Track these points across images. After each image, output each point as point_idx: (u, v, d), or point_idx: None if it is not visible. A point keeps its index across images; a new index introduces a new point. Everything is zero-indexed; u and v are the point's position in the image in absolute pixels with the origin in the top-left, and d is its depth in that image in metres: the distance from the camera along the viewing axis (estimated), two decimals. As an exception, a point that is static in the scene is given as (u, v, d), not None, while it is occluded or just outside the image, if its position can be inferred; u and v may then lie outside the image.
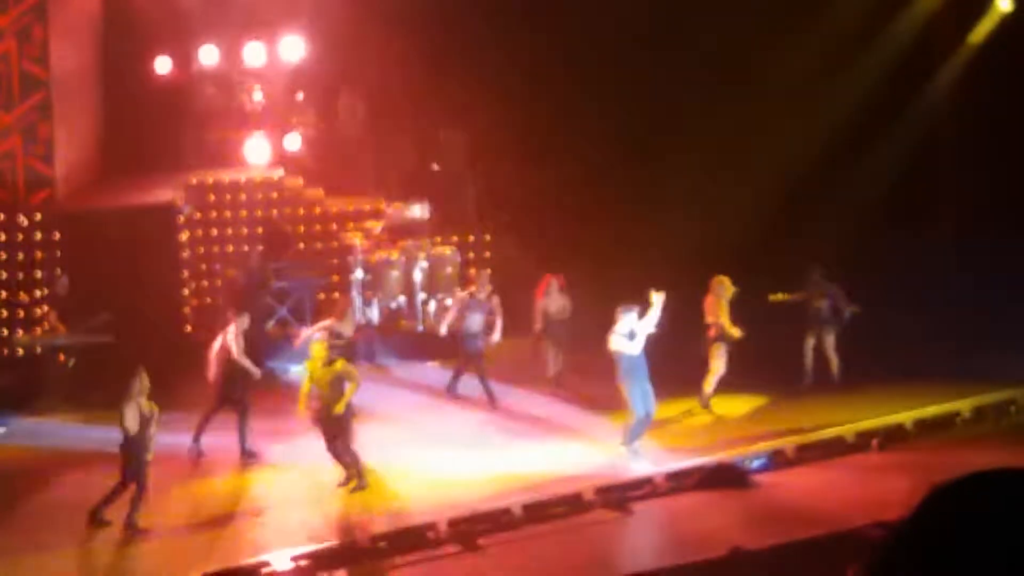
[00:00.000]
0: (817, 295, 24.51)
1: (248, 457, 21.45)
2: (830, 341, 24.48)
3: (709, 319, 23.12)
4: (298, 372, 23.26)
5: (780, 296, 24.37)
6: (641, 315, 20.33)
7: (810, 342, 24.52)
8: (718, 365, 23.09)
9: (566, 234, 29.46)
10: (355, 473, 19.68)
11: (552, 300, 24.88)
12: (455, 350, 24.91)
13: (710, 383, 23.14)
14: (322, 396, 19.79)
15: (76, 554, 18.04)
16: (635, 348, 20.26)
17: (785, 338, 24.48)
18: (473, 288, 25.01)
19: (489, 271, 26.54)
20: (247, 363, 21.59)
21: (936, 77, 30.14)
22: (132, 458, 18.46)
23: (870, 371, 24.13)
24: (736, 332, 22.92)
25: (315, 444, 21.20)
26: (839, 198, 29.36)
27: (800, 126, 29.23)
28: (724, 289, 23.06)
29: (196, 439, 21.67)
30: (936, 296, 26.76)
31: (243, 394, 21.52)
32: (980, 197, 28.39)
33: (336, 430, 19.70)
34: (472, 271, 27.40)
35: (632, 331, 20.28)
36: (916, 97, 30.08)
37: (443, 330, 24.95)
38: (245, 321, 21.94)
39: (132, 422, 18.44)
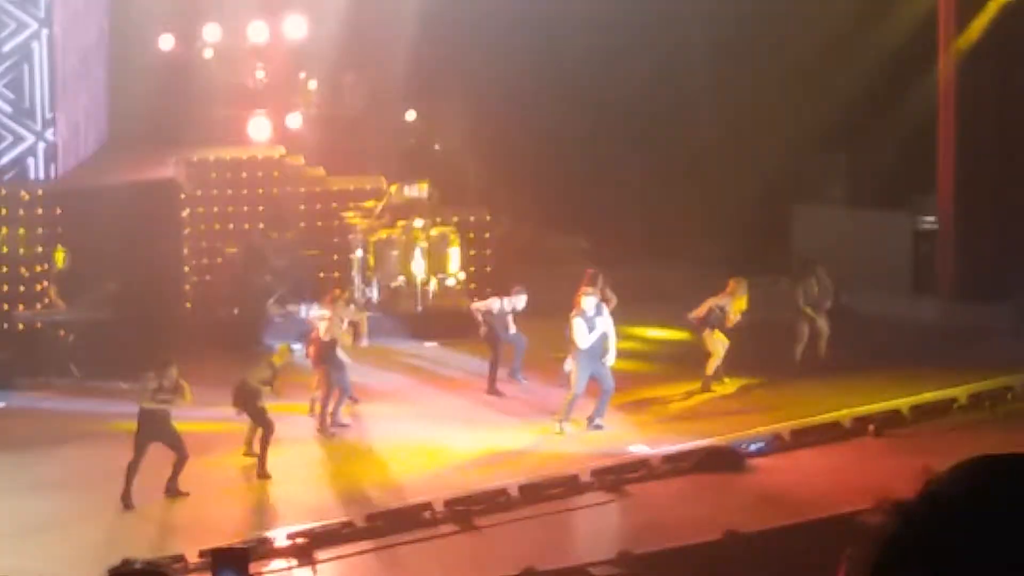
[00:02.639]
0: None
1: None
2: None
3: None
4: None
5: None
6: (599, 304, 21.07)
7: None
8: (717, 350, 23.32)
9: (567, 211, 29.47)
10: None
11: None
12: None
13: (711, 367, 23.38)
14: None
15: (74, 529, 18.08)
16: (589, 341, 20.87)
17: (782, 323, 24.58)
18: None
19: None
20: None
21: (936, 64, 30.07)
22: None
23: (867, 357, 24.19)
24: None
25: (312, 422, 21.34)
26: (836, 184, 29.36)
27: (799, 110, 29.20)
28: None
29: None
30: (933, 283, 26.80)
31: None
32: (978, 184, 28.34)
33: None
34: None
35: (592, 322, 20.77)
36: (916, 83, 30.00)
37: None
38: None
39: None
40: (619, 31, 29.76)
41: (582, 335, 20.87)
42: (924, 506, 2.45)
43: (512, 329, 23.82)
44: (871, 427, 21.06)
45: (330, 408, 21.56)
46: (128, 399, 19.79)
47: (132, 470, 18.67)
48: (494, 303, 24.00)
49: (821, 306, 24.38)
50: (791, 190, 29.03)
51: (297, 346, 22.85)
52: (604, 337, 21.08)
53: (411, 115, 32.28)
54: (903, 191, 28.81)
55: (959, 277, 27.02)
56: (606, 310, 21.34)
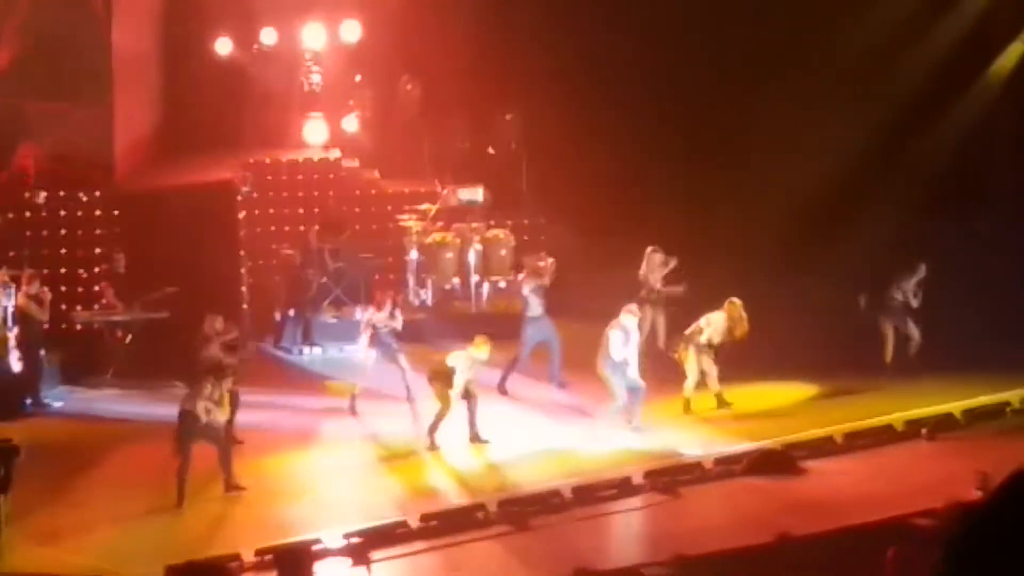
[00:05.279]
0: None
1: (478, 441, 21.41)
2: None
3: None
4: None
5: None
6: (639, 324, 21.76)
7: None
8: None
9: (622, 215, 29.46)
10: None
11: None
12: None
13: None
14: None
15: (131, 527, 18.22)
16: (623, 354, 21.18)
17: (836, 327, 24.57)
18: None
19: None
20: None
21: (993, 64, 29.96)
22: None
23: (921, 360, 24.15)
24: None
25: (367, 423, 21.47)
26: (891, 185, 29.24)
27: (853, 111, 29.12)
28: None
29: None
30: (987, 285, 26.67)
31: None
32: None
33: None
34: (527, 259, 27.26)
35: (630, 336, 21.27)
36: (972, 83, 29.90)
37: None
38: None
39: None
40: (678, 37, 29.72)
41: (617, 347, 21.12)
42: (989, 512, 2.51)
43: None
44: (924, 430, 21.02)
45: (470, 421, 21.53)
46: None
47: (182, 471, 18.78)
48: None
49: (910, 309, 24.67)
50: (847, 196, 28.89)
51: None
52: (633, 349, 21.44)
53: (465, 118, 32.34)
54: (954, 198, 28.72)
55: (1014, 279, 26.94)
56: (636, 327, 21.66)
